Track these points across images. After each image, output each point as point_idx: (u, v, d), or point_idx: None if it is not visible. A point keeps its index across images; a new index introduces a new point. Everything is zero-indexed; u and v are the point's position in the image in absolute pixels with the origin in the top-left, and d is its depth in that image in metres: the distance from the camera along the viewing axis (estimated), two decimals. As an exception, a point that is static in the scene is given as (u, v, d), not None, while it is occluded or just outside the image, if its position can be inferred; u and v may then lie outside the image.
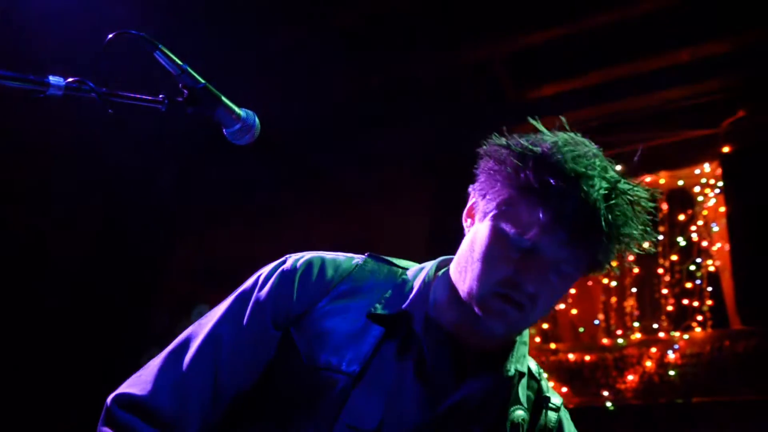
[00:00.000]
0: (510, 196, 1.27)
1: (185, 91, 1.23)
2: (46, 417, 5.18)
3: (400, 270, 1.42)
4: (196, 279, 5.68)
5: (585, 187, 1.21)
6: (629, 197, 1.27)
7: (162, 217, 5.96)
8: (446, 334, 1.32)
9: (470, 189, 1.37)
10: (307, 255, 1.41)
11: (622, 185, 1.27)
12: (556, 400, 1.42)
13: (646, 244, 1.31)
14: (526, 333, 1.41)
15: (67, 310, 5.21)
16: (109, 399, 1.32)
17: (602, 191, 1.22)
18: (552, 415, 1.39)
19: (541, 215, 1.22)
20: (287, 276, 1.36)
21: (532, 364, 1.44)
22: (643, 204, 1.29)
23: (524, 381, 1.37)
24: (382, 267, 1.41)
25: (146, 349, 5.79)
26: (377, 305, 1.33)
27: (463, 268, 1.30)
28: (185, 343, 1.37)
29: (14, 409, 5.07)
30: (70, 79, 1.13)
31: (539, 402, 1.38)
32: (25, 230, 5.20)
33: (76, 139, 4.98)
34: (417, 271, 1.41)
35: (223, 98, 1.26)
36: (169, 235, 6.07)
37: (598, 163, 1.27)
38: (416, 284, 1.37)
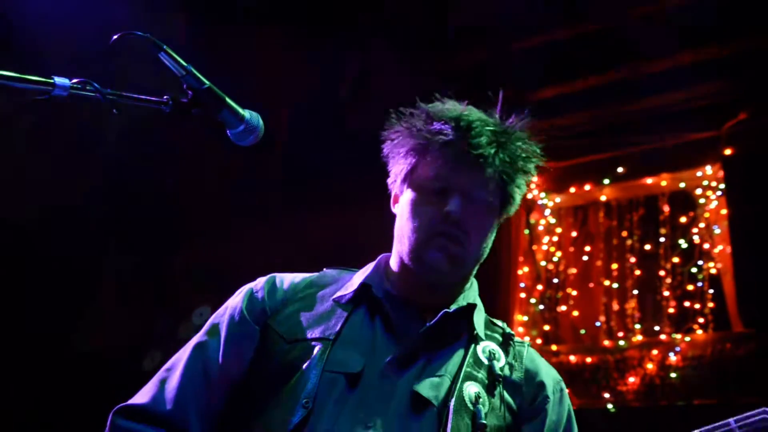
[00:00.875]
0: (415, 158, 1.49)
1: (189, 92, 1.24)
2: (47, 419, 5.18)
3: (354, 270, 1.63)
4: (197, 281, 5.69)
5: (466, 119, 1.44)
6: (506, 124, 1.49)
7: (163, 220, 5.96)
8: (404, 300, 1.50)
9: (388, 182, 1.58)
10: (272, 274, 1.61)
11: (497, 119, 1.50)
12: (520, 338, 1.57)
13: (537, 161, 1.51)
14: (475, 284, 1.57)
15: (68, 310, 5.21)
16: (110, 415, 1.43)
17: (480, 120, 1.45)
18: (521, 348, 1.53)
19: (437, 154, 1.44)
20: (255, 289, 1.56)
21: (496, 320, 1.59)
22: (519, 128, 1.50)
23: (481, 317, 1.52)
24: (340, 272, 1.62)
25: (148, 351, 5.80)
26: (340, 291, 1.52)
27: (401, 236, 1.49)
28: (176, 360, 1.50)
29: (14, 411, 5.07)
30: (75, 80, 1.13)
31: (506, 339, 1.52)
32: (26, 230, 5.20)
33: (77, 140, 4.99)
34: (367, 266, 1.61)
35: (227, 99, 1.27)
36: (170, 238, 6.07)
37: (475, 110, 1.50)
38: (369, 268, 1.58)
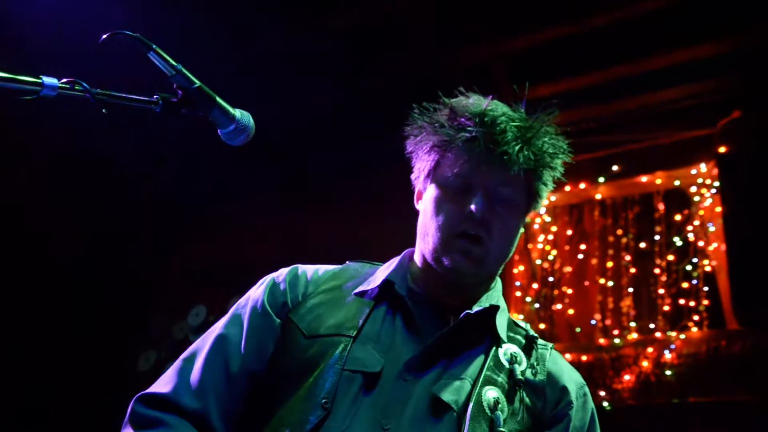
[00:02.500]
0: (438, 154, 1.46)
1: (180, 91, 1.23)
2: (45, 417, 5.17)
3: (377, 264, 1.60)
4: (193, 281, 5.68)
5: (491, 114, 1.40)
6: (532, 119, 1.45)
7: (159, 219, 5.95)
8: (427, 297, 1.47)
9: (411, 179, 1.55)
10: (294, 265, 1.59)
11: (523, 113, 1.46)
12: (543, 342, 1.53)
13: (564, 157, 1.48)
14: (499, 284, 1.54)
15: (65, 311, 5.20)
16: (132, 402, 1.41)
17: (506, 115, 1.42)
18: (543, 351, 1.49)
19: (460, 151, 1.41)
20: (277, 280, 1.53)
21: (520, 321, 1.56)
22: (546, 123, 1.46)
23: (503, 319, 1.48)
24: (363, 265, 1.60)
25: (143, 351, 5.80)
26: (362, 286, 1.49)
27: (424, 233, 1.46)
28: (196, 350, 1.47)
29: (12, 409, 5.06)
30: (63, 80, 1.13)
31: (529, 342, 1.49)
32: (24, 230, 5.19)
33: (74, 138, 4.98)
34: (391, 261, 1.58)
35: (218, 99, 1.26)
36: (166, 237, 6.06)
37: (500, 104, 1.47)
38: (393, 264, 1.55)
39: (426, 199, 1.48)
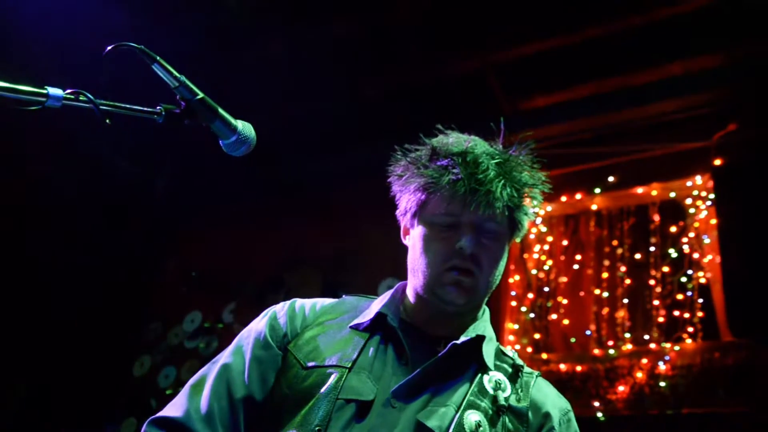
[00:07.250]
0: (423, 193, 1.52)
1: (182, 102, 1.24)
2: (40, 421, 5.16)
3: (371, 297, 1.68)
4: (188, 287, 5.68)
5: (472, 154, 1.47)
6: (510, 154, 1.52)
7: (155, 224, 5.95)
8: (418, 328, 1.54)
9: (397, 215, 1.62)
10: (293, 299, 1.67)
11: (501, 148, 1.54)
12: (529, 370, 1.58)
13: (543, 187, 1.55)
14: (487, 312, 1.61)
15: (61, 316, 5.19)
16: (144, 425, 1.48)
17: (486, 153, 1.49)
18: (528, 378, 1.54)
19: (446, 191, 1.47)
20: (277, 312, 1.62)
21: (508, 350, 1.61)
22: (523, 157, 1.53)
23: (490, 348, 1.54)
24: (359, 299, 1.67)
25: (138, 356, 5.77)
26: (357, 319, 1.57)
27: (415, 269, 1.53)
28: (203, 377, 1.55)
29: (6, 414, 5.05)
30: (68, 91, 1.14)
31: (515, 370, 1.54)
32: (23, 235, 5.18)
33: (73, 144, 4.98)
34: (384, 294, 1.65)
35: (220, 110, 1.28)
36: (162, 243, 6.06)
37: (479, 140, 1.54)
38: (386, 297, 1.62)
39: (414, 237, 1.55)
